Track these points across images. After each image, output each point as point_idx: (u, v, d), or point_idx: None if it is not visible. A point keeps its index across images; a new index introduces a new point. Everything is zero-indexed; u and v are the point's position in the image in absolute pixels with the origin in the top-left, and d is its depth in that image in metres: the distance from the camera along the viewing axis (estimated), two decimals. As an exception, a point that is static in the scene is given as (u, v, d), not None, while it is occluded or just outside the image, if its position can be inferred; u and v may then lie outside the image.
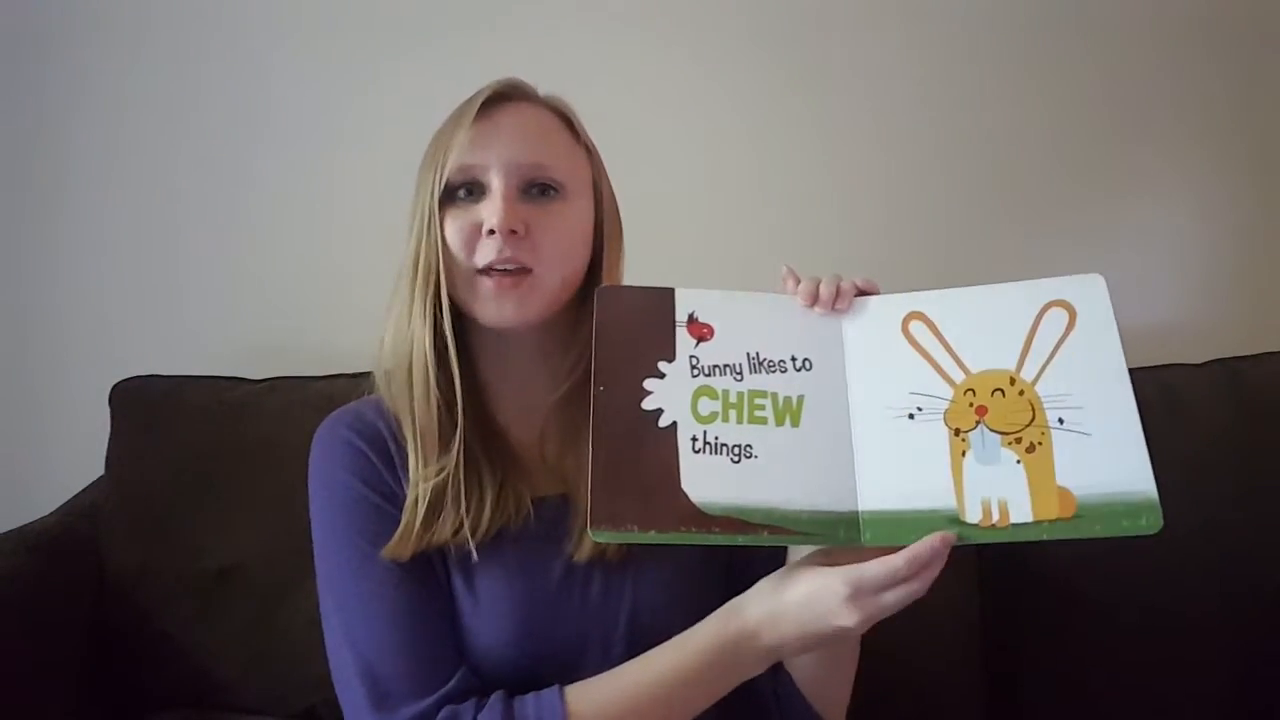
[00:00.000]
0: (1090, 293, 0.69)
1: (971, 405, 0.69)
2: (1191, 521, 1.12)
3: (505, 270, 0.74)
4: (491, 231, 0.73)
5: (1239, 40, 1.38)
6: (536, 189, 0.76)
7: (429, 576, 0.75)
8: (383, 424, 0.79)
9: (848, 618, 0.63)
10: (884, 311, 0.73)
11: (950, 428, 0.68)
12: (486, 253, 0.73)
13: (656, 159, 1.35)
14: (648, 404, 0.68)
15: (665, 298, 0.71)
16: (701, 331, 0.70)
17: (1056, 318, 0.69)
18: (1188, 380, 1.18)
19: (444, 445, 0.75)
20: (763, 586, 0.69)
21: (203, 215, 1.47)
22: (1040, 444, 0.66)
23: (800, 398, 0.69)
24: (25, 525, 1.23)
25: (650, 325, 0.71)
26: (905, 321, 0.72)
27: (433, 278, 0.75)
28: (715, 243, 1.42)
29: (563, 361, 0.80)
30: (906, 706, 1.10)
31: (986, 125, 1.40)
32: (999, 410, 0.68)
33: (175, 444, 1.24)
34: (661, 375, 0.69)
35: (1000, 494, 0.65)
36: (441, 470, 0.74)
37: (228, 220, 1.47)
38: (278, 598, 1.20)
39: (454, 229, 0.75)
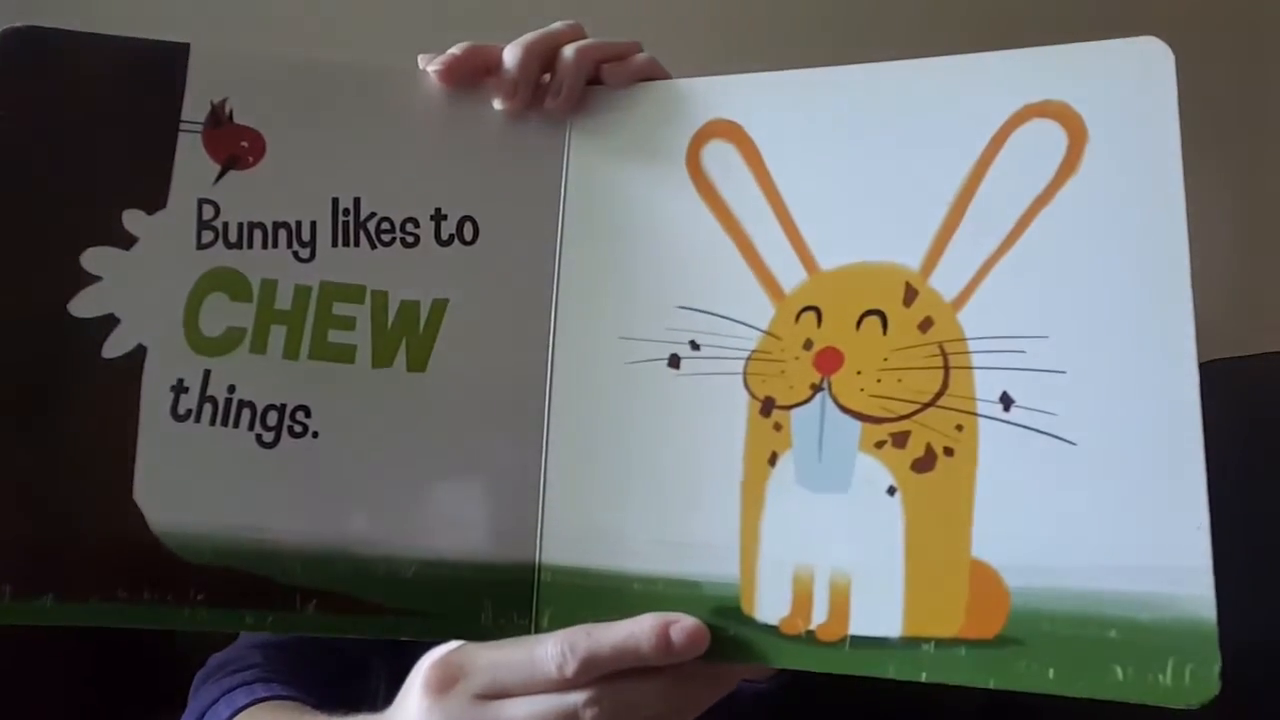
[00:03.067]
0: (1130, 82, 0.33)
1: (809, 347, 0.33)
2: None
3: None
4: None
5: (1239, 40, 1.38)
6: None
7: None
8: None
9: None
10: (659, 120, 0.36)
11: (756, 395, 0.33)
12: None
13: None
14: (84, 304, 0.33)
15: (164, 63, 0.36)
16: (238, 147, 0.34)
17: (1037, 143, 0.32)
18: (1187, 380, 1.18)
19: None
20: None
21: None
22: (950, 452, 0.31)
23: (439, 305, 0.34)
24: (25, 525, 1.23)
25: (124, 126, 0.35)
26: (697, 143, 0.35)
27: None
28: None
29: None
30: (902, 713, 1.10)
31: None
32: (866, 361, 0.32)
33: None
34: (126, 241, 0.33)
35: (839, 562, 0.31)
36: None
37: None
38: (278, 597, 1.20)
39: None
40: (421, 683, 0.31)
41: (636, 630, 0.30)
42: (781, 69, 0.35)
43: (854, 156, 0.33)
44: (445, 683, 0.31)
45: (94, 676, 1.17)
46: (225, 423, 0.33)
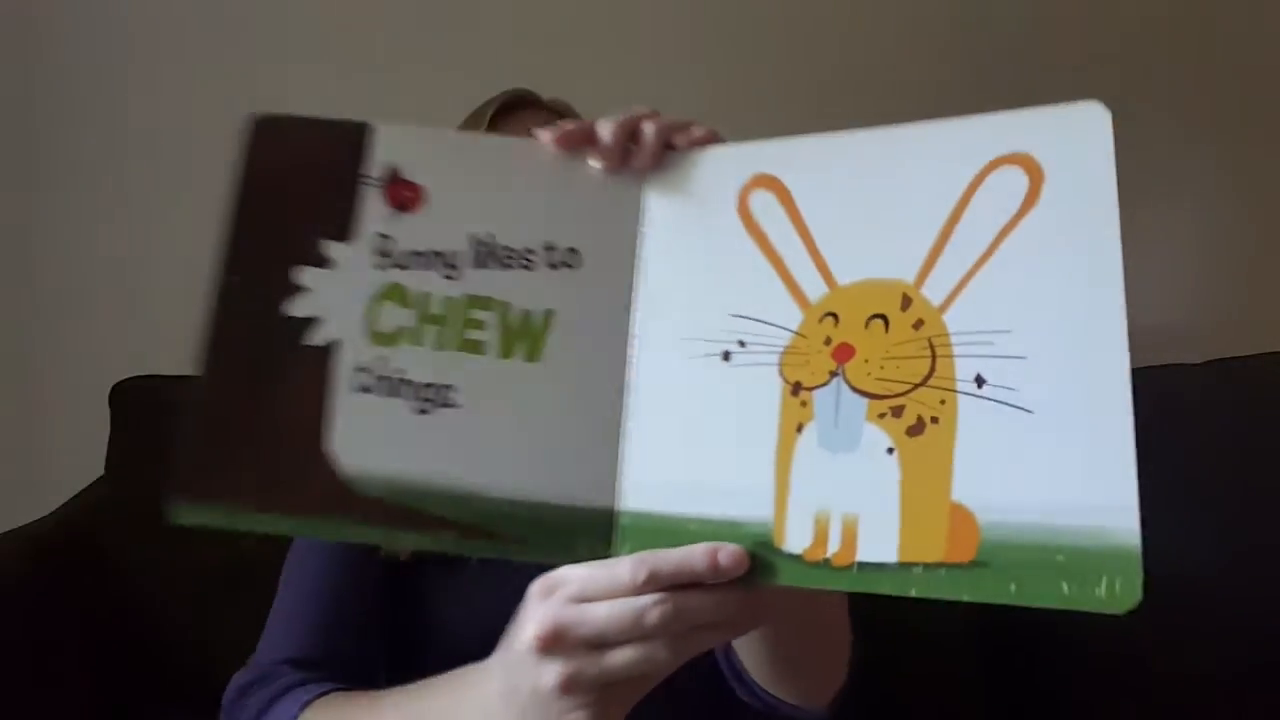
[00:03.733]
0: (1076, 137, 0.40)
1: (829, 343, 0.41)
2: (1190, 523, 1.12)
3: None
4: None
5: (1240, 40, 1.38)
6: None
7: (385, 568, 0.75)
8: None
9: (525, 629, 0.41)
10: (716, 174, 0.46)
11: (787, 380, 0.42)
12: None
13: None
14: (296, 307, 0.44)
15: (353, 137, 0.46)
16: (405, 196, 0.46)
17: (1004, 186, 0.40)
18: (1187, 380, 1.18)
19: None
20: None
21: (203, 215, 1.47)
22: (936, 421, 0.39)
23: (549, 314, 0.44)
24: (25, 525, 1.24)
25: (323, 181, 0.46)
26: (746, 192, 0.45)
27: None
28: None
29: None
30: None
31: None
32: (872, 353, 0.40)
33: (175, 444, 1.24)
34: (326, 262, 0.45)
35: (850, 505, 0.39)
36: None
37: (228, 220, 1.47)
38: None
39: None
40: (531, 591, 0.41)
41: (692, 552, 0.39)
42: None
43: (863, 198, 0.43)
44: (547, 590, 0.41)
45: (94, 676, 1.17)
46: (393, 395, 0.44)
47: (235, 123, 0.49)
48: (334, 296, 0.45)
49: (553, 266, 0.45)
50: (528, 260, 0.45)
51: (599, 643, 0.40)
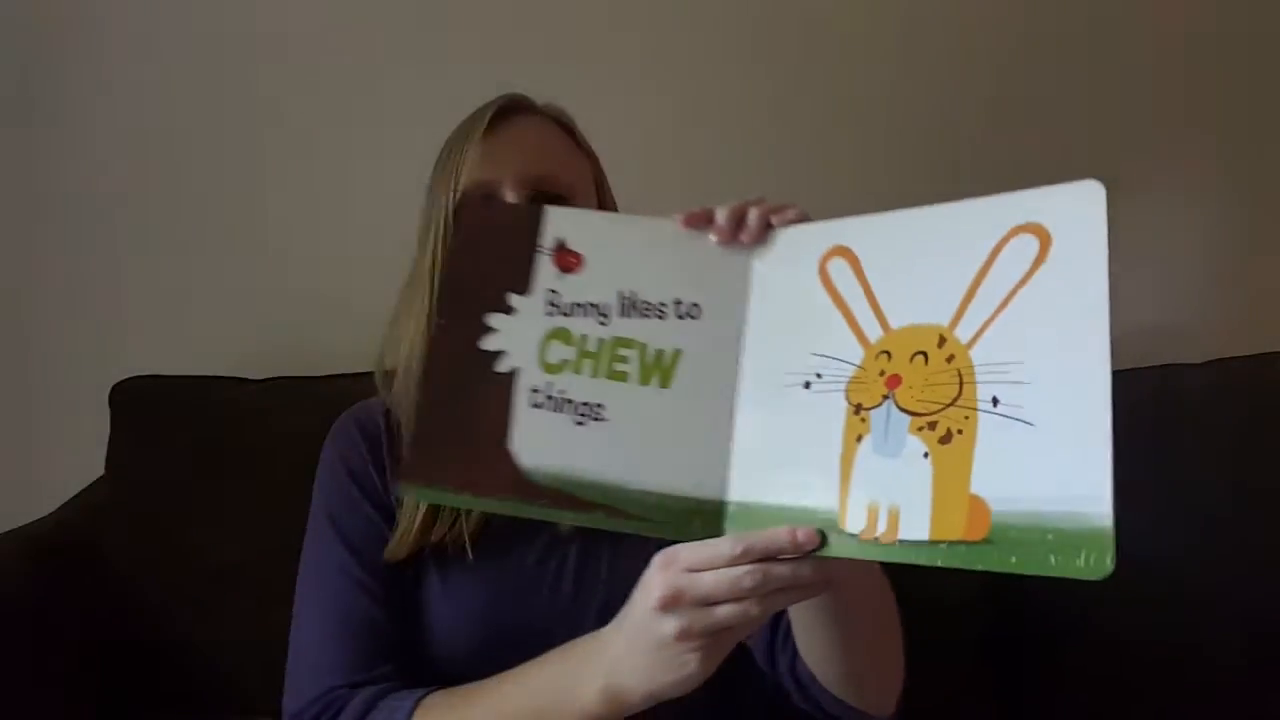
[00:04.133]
0: (1077, 211, 0.50)
1: (882, 374, 0.54)
2: (1191, 523, 1.12)
3: None
4: None
5: (1242, 40, 1.38)
6: (546, 198, 0.78)
7: (389, 575, 0.77)
8: (381, 419, 0.82)
9: (650, 593, 0.53)
10: (803, 246, 0.59)
11: (851, 402, 0.54)
12: None
13: (653, 158, 1.35)
14: (488, 343, 0.58)
15: (532, 217, 0.61)
16: (569, 261, 0.60)
17: (1020, 249, 0.51)
18: (1187, 380, 1.18)
19: None
20: None
21: (203, 215, 1.47)
22: (960, 432, 0.50)
23: (676, 352, 0.58)
24: (25, 525, 1.24)
25: (509, 249, 0.60)
26: (825, 259, 0.58)
27: None
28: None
29: None
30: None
31: (987, 126, 1.40)
32: (915, 381, 0.52)
33: (175, 444, 1.24)
34: (510, 310, 0.59)
35: (895, 497, 0.51)
36: None
37: (228, 220, 1.47)
38: (278, 598, 1.19)
39: None
40: (654, 563, 0.54)
41: (778, 532, 0.52)
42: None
43: (912, 261, 0.55)
44: (667, 563, 0.53)
45: (94, 677, 1.17)
46: (558, 411, 0.57)
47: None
48: (515, 336, 0.59)
49: (680, 317, 0.59)
50: (661, 311, 0.59)
51: (706, 602, 0.52)
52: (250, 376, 1.30)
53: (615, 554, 0.76)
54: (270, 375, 1.31)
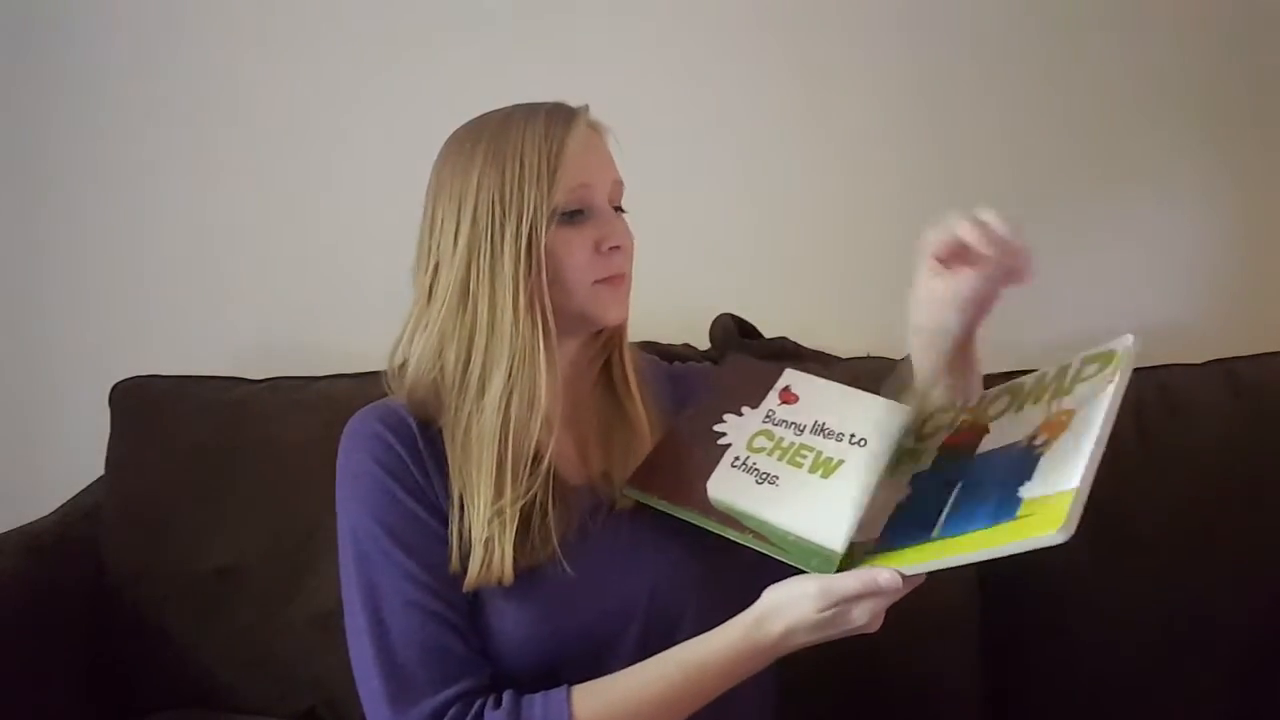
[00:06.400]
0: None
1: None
2: (1192, 522, 1.12)
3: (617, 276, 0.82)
4: (616, 247, 0.81)
5: (1244, 39, 1.37)
6: (616, 205, 0.84)
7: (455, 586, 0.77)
8: (410, 419, 0.80)
9: (860, 621, 0.72)
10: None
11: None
12: (613, 266, 0.81)
13: (661, 159, 1.35)
14: (718, 428, 0.83)
15: (776, 372, 0.88)
16: (789, 398, 0.85)
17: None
18: (1188, 380, 1.18)
19: (535, 461, 0.78)
20: (764, 594, 0.74)
21: (203, 215, 1.47)
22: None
23: (841, 462, 0.78)
24: (25, 525, 1.24)
25: (753, 385, 0.87)
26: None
27: (542, 294, 0.77)
28: (714, 245, 1.42)
29: (588, 350, 0.89)
30: (902, 709, 1.11)
31: (989, 125, 1.40)
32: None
33: (175, 444, 1.24)
34: (739, 414, 0.84)
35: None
36: (530, 489, 0.77)
37: (228, 220, 1.47)
38: (278, 598, 1.20)
39: (574, 247, 0.79)
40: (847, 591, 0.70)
41: (876, 572, 0.68)
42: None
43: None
44: (871, 592, 0.69)
45: (93, 677, 1.18)
46: (747, 473, 0.78)
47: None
48: (737, 429, 0.82)
49: (851, 443, 0.80)
50: (839, 437, 0.80)
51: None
52: (250, 376, 1.30)
53: (658, 543, 0.81)
54: (270, 375, 1.31)
